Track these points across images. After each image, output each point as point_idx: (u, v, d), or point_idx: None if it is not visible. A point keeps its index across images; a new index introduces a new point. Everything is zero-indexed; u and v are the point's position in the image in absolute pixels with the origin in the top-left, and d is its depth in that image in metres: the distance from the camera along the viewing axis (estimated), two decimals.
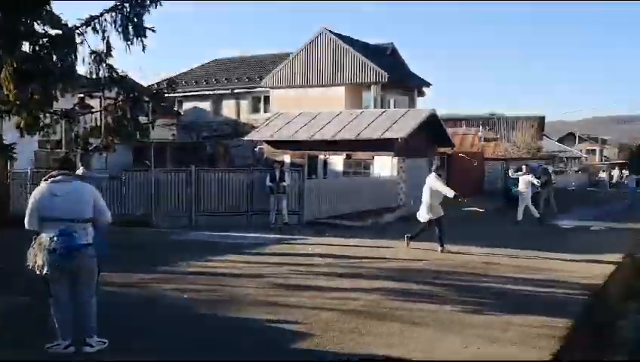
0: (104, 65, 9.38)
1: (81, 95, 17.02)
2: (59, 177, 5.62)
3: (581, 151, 64.32)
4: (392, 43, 30.35)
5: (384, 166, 22.04)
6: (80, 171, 10.49)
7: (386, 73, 26.25)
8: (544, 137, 46.57)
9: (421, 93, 31.14)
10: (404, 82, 28.98)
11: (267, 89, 28.97)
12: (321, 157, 23.26)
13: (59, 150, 17.32)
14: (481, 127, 37.86)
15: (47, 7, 9.35)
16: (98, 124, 11.08)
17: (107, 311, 5.99)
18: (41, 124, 9.92)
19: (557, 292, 8.90)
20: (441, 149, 25.77)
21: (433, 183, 12.51)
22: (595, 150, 73.64)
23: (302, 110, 25.31)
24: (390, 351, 5.80)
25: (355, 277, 9.52)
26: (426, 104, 30.71)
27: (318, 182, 20.48)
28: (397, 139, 21.17)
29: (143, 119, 11.00)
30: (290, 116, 25.09)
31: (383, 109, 25.41)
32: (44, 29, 9.51)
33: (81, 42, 9.24)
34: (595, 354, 6.76)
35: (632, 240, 15.38)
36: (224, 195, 17.64)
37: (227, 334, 6.38)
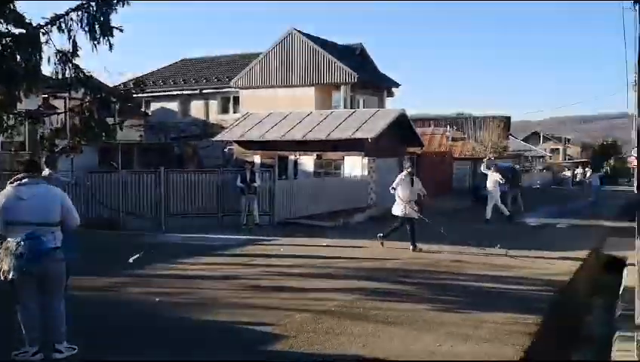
0: (70, 65, 9.17)
1: (45, 95, 16.65)
2: (25, 180, 5.48)
3: (545, 150, 65.57)
4: (360, 43, 30.46)
5: (354, 166, 22.12)
6: (46, 173, 10.23)
7: (355, 73, 26.33)
8: (510, 136, 47.32)
9: (390, 94, 31.34)
10: (373, 82, 29.12)
11: (236, 89, 28.78)
12: (292, 157, 23.22)
13: (23, 152, 16.90)
14: (448, 126, 38.30)
15: (11, 5, 9.10)
16: (64, 125, 10.83)
17: (77, 316, 5.86)
18: (5, 125, 9.66)
19: (526, 289, 9.05)
20: (411, 149, 25.97)
21: (397, 181, 12.70)
22: (558, 149, 75.13)
23: (271, 110, 25.23)
24: (365, 352, 5.81)
25: (329, 278, 9.52)
26: (395, 104, 30.96)
27: (289, 182, 20.43)
28: (367, 139, 21.26)
29: (109, 120, 10.82)
30: (260, 116, 24.97)
31: (353, 109, 25.51)
32: (7, 28, 9.25)
33: (46, 42, 9.02)
34: (564, 349, 6.90)
35: (596, 237, 15.76)
36: (194, 197, 17.47)
37: (201, 337, 6.31)
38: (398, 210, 12.65)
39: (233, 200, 17.29)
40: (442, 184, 27.74)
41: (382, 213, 18.72)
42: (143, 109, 30.48)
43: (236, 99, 29.37)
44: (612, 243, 14.33)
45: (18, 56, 8.98)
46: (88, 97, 9.59)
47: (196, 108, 30.93)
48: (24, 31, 9.10)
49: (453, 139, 36.56)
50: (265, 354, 5.80)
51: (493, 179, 18.74)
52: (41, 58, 8.94)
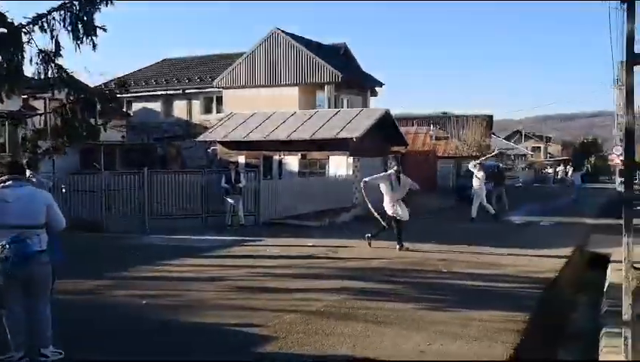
0: (53, 65, 9.03)
1: (24, 96, 16.40)
2: (9, 182, 5.38)
3: (527, 148, 66.22)
4: (344, 43, 30.47)
5: (339, 165, 22.11)
6: (27, 175, 10.07)
7: (339, 73, 26.31)
8: (492, 135, 47.69)
9: (374, 93, 31.38)
10: (357, 82, 29.14)
11: (219, 89, 28.62)
12: (276, 157, 23.14)
13: (3, 153, 16.63)
14: (432, 126, 38.50)
15: None
16: (46, 126, 10.67)
17: (62, 319, 5.76)
18: None
19: (512, 286, 9.11)
20: (395, 148, 26.04)
21: (381, 179, 12.74)
22: (539, 147, 75.92)
23: (255, 110, 25.13)
24: (356, 352, 5.79)
25: (316, 278, 9.49)
26: (379, 104, 30.97)
27: (274, 182, 20.36)
28: (352, 138, 21.26)
29: (92, 121, 10.66)
30: (244, 116, 24.86)
31: (337, 109, 25.49)
32: None
33: (28, 41, 8.88)
34: (553, 346, 6.95)
35: (579, 234, 15.92)
36: (178, 198, 17.34)
37: (189, 340, 6.24)
38: (388, 208, 12.65)
39: (218, 201, 17.19)
40: (427, 183, 27.74)
41: (367, 212, 18.75)
42: (124, 110, 30.20)
43: (219, 99, 29.21)
44: (595, 241, 14.47)
45: (0, 57, 8.82)
46: (72, 97, 9.45)
47: (179, 109, 30.70)
48: (5, 30, 8.95)
49: (437, 138, 36.75)
50: (255, 356, 5.75)
51: (478, 177, 18.81)
52: (23, 58, 8.80)
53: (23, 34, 8.80)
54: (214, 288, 8.79)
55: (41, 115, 11.55)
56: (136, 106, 31.32)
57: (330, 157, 22.31)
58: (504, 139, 62.56)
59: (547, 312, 8.12)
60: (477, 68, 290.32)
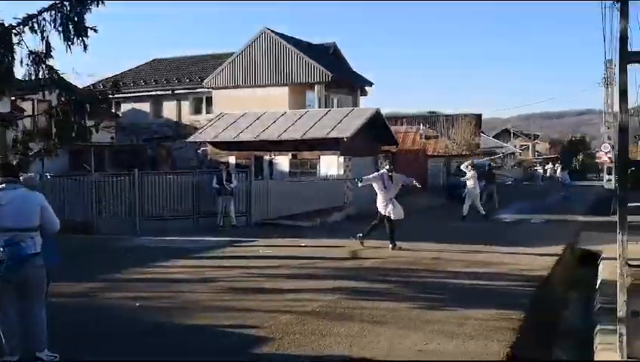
0: (44, 66, 8.94)
1: (12, 98, 16.24)
2: (2, 185, 5.32)
3: (515, 146, 66.58)
4: (334, 42, 30.51)
5: (330, 165, 22.12)
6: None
7: (329, 72, 26.33)
8: (482, 134, 47.91)
9: (364, 93, 31.43)
10: (347, 81, 29.16)
11: (209, 90, 28.53)
12: (267, 157, 23.12)
13: None
14: (421, 125, 38.62)
15: None
16: (37, 127, 10.58)
17: (55, 322, 5.71)
18: None
19: (506, 284, 9.16)
20: (386, 147, 26.09)
21: (375, 178, 12.75)
22: (528, 145, 76.33)
23: (245, 110, 25.07)
24: (353, 352, 5.79)
25: (310, 278, 9.48)
26: (368, 103, 30.97)
27: (265, 182, 20.32)
28: (342, 138, 21.28)
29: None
30: (234, 117, 24.80)
31: (328, 109, 25.50)
32: None
33: (19, 42, 8.79)
34: (548, 343, 6.98)
35: (570, 231, 16.02)
36: (169, 199, 17.27)
37: (184, 342, 6.21)
38: (381, 207, 12.66)
39: (209, 202, 17.14)
40: (417, 181, 27.88)
41: (358, 211, 18.79)
42: (113, 111, 30.00)
43: (209, 100, 29.12)
44: (586, 238, 14.57)
45: None
46: (63, 99, 9.37)
47: (168, 109, 30.57)
48: None
49: (427, 137, 36.88)
50: (252, 357, 5.73)
51: (471, 177, 18.83)
52: (13, 59, 8.71)
53: (13, 35, 8.71)
54: (208, 289, 8.75)
55: (32, 116, 11.43)
56: (125, 107, 31.15)
57: (321, 156, 22.32)
58: (493, 137, 62.88)
59: (541, 310, 8.16)
60: (465, 67, 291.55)
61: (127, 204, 16.70)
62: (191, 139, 25.09)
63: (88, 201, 16.36)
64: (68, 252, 10.31)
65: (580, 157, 62.57)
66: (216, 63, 29.43)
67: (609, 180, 40.46)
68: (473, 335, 6.29)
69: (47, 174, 15.42)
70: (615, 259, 5.70)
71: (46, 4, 8.74)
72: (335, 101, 28.54)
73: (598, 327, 6.65)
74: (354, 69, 31.07)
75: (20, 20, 8.72)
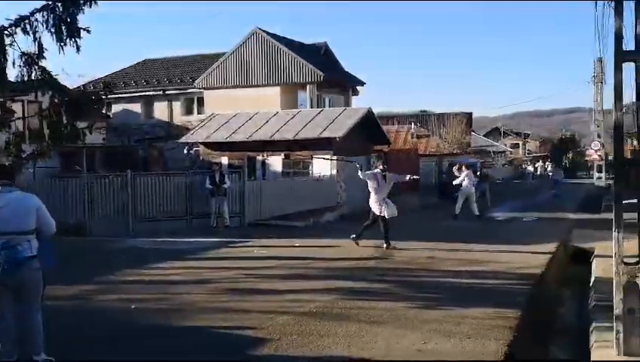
0: (36, 67, 8.87)
1: (1, 99, 16.09)
2: None
3: (506, 145, 66.89)
4: (325, 42, 30.47)
5: (323, 165, 22.08)
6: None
7: (321, 72, 26.31)
8: (472, 132, 48.08)
9: (355, 92, 31.44)
10: (339, 81, 29.16)
11: (200, 90, 28.43)
12: (260, 158, 23.05)
13: None
14: (413, 124, 38.69)
15: None
16: (29, 129, 10.50)
17: (51, 326, 5.66)
18: None
19: (501, 283, 9.20)
20: (378, 147, 26.11)
21: (369, 176, 12.78)
22: (518, 144, 76.71)
23: (237, 111, 25.00)
24: (351, 352, 5.79)
25: (305, 279, 9.47)
26: (360, 103, 30.94)
27: (258, 183, 20.29)
28: (335, 138, 21.26)
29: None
30: (226, 117, 24.71)
31: (320, 109, 25.47)
32: None
33: (11, 44, 8.71)
34: (545, 341, 7.01)
35: (562, 229, 16.12)
36: (162, 200, 17.19)
37: (182, 344, 6.19)
38: (374, 207, 12.66)
39: (202, 203, 17.09)
40: (409, 180, 27.93)
41: (351, 211, 18.82)
42: (104, 111, 29.83)
43: (200, 100, 29.02)
44: (578, 236, 14.67)
45: None
46: (56, 100, 9.30)
47: (160, 110, 30.43)
48: None
49: (418, 136, 36.95)
50: (250, 358, 5.72)
51: (467, 176, 18.86)
52: (5, 60, 8.63)
53: (5, 36, 8.64)
54: (203, 291, 8.72)
55: (24, 118, 11.33)
56: (116, 108, 30.94)
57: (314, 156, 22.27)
58: (483, 136, 63.13)
59: (537, 308, 8.21)
60: (455, 67, 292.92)
61: (119, 205, 16.62)
62: (183, 139, 24.97)
63: (80, 203, 16.27)
64: (61, 254, 10.16)
65: (570, 155, 62.98)
66: (207, 64, 29.33)
67: (599, 178, 40.80)
68: (470, 334, 6.31)
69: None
70: (608, 256, 5.74)
71: (38, 5, 8.68)
72: (327, 101, 28.53)
73: (594, 325, 6.69)
74: (346, 69, 31.06)
75: (12, 21, 8.63)
